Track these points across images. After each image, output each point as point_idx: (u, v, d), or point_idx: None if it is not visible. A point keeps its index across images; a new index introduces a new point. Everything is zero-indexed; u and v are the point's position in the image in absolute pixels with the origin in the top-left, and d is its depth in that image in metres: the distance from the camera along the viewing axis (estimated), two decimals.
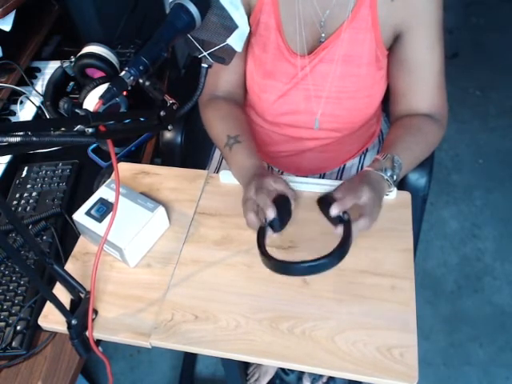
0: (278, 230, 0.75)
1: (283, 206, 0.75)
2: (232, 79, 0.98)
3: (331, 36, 0.87)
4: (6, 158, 1.07)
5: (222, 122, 0.94)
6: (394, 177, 0.80)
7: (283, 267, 0.68)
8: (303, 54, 0.89)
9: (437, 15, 0.84)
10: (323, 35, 0.87)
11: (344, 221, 0.71)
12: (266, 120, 1.02)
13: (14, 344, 0.78)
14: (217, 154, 1.17)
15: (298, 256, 0.75)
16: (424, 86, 0.89)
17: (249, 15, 0.90)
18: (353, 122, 0.97)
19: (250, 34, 0.92)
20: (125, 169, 0.93)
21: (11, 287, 0.85)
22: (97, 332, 0.70)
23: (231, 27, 0.66)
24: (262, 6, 0.87)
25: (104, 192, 0.81)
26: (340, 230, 0.70)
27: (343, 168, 1.09)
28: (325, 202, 0.75)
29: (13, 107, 1.20)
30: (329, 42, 0.87)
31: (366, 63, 0.88)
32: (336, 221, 0.73)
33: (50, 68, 1.29)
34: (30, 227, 0.93)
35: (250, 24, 0.89)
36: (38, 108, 1.18)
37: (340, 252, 0.67)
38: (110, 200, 0.80)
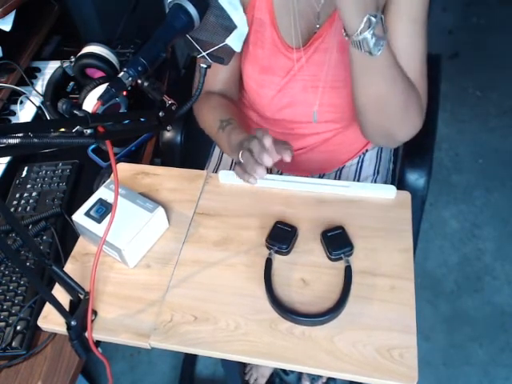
0: (286, 254, 0.76)
1: (287, 229, 0.77)
2: (225, 77, 0.99)
3: (324, 25, 0.86)
4: (6, 158, 1.07)
5: (214, 110, 0.95)
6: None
7: (285, 314, 0.69)
8: (298, 47, 0.89)
9: None
10: (317, 26, 0.87)
11: (345, 265, 0.73)
12: (265, 117, 1.02)
13: (14, 344, 0.78)
14: (216, 153, 1.17)
15: (299, 260, 0.76)
16: (403, 67, 0.81)
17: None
18: (349, 111, 0.94)
19: None
20: (124, 169, 0.93)
21: (11, 287, 0.85)
22: (96, 333, 0.70)
23: (230, 27, 0.66)
24: (255, 2, 0.87)
25: (103, 193, 0.81)
26: None
27: (342, 167, 1.09)
28: (328, 237, 0.76)
29: (13, 107, 1.20)
30: (323, 31, 0.86)
31: None
32: (336, 260, 0.75)
33: (50, 68, 1.29)
34: (30, 227, 0.93)
35: None
36: (38, 108, 1.18)
37: (341, 304, 0.69)
38: (109, 201, 0.80)
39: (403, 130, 0.85)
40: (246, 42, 0.93)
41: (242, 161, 0.78)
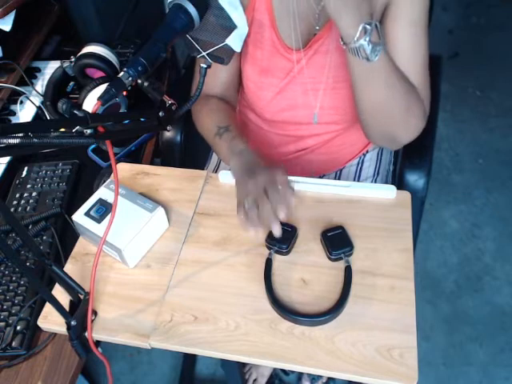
0: (286, 254, 0.76)
1: (287, 229, 0.77)
2: (225, 80, 0.98)
3: (324, 27, 0.86)
4: (6, 158, 1.07)
5: (212, 114, 0.95)
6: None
7: (285, 314, 0.69)
8: (298, 49, 0.89)
9: None
10: (317, 28, 0.87)
11: (345, 264, 0.73)
12: (264, 119, 1.01)
13: (14, 344, 0.78)
14: None
15: (299, 260, 0.76)
16: (405, 71, 0.81)
17: None
18: (350, 112, 0.94)
19: None
20: (124, 169, 0.93)
21: (11, 287, 0.85)
22: (96, 333, 0.70)
23: (230, 27, 0.66)
24: (255, 3, 0.87)
25: (103, 193, 0.81)
26: None
27: (342, 168, 1.09)
28: (328, 237, 0.76)
29: (13, 107, 1.20)
30: (322, 33, 0.86)
31: None
32: (336, 260, 0.75)
33: (50, 68, 1.29)
34: (30, 227, 0.93)
35: None
36: (38, 108, 1.18)
37: (341, 304, 0.69)
38: (109, 201, 0.80)
39: (405, 133, 0.85)
40: (245, 42, 0.92)
41: (246, 206, 0.73)
